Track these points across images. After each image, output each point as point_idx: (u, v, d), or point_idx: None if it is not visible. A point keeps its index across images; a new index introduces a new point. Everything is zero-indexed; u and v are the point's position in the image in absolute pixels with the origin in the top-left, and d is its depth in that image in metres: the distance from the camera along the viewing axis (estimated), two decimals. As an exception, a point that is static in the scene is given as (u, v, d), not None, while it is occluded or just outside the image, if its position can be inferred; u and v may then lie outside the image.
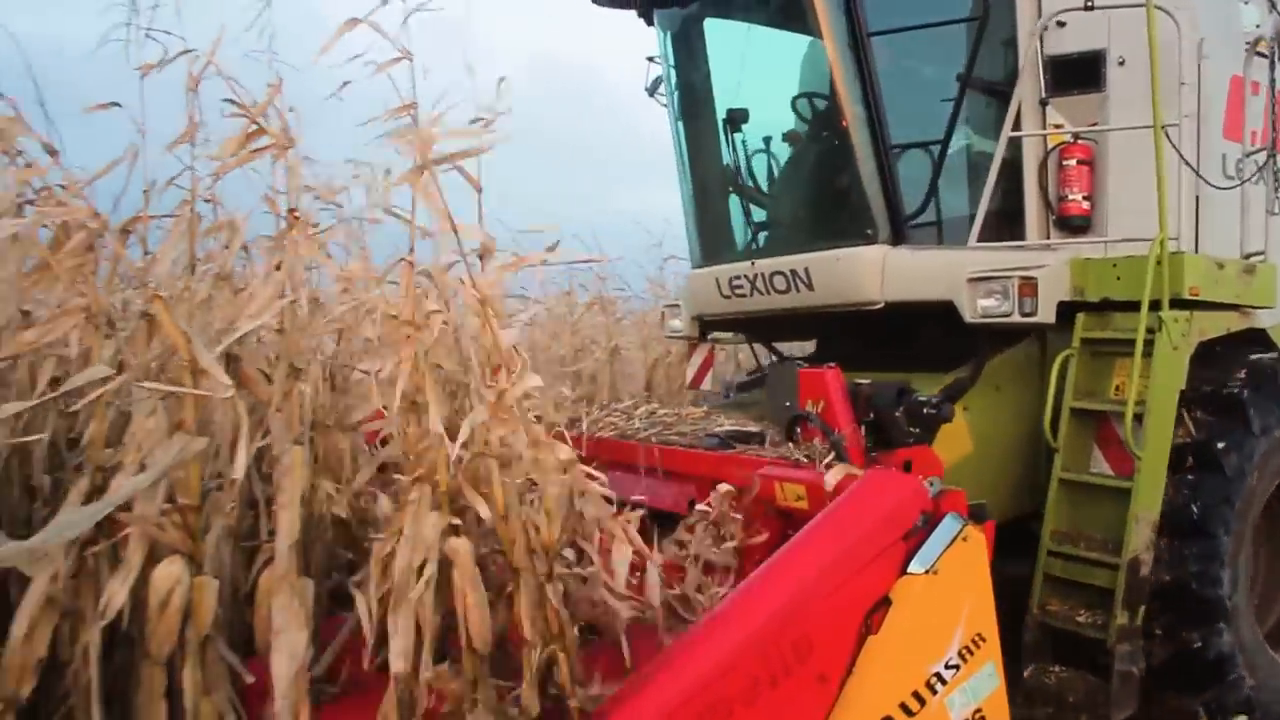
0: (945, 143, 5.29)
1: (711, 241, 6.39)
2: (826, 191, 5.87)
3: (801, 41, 5.81)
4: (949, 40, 5.33)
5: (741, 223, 6.19)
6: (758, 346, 7.21)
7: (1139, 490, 4.56)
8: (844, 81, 5.35)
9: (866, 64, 5.26)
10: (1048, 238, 5.24)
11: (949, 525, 3.32)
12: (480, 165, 2.96)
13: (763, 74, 5.94)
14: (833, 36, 5.33)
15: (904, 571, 3.24)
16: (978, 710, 3.24)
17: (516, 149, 3.12)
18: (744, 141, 6.09)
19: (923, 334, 5.51)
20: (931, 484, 3.45)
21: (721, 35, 6.11)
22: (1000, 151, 5.13)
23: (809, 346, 7.15)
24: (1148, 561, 4.54)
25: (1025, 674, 4.68)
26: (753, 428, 4.79)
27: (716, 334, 6.96)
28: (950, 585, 3.26)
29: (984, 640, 3.29)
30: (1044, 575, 4.82)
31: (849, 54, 5.27)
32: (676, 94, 6.41)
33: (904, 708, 3.12)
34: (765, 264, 5.73)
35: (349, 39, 2.95)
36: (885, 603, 3.19)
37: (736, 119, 6.03)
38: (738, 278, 5.91)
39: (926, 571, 3.24)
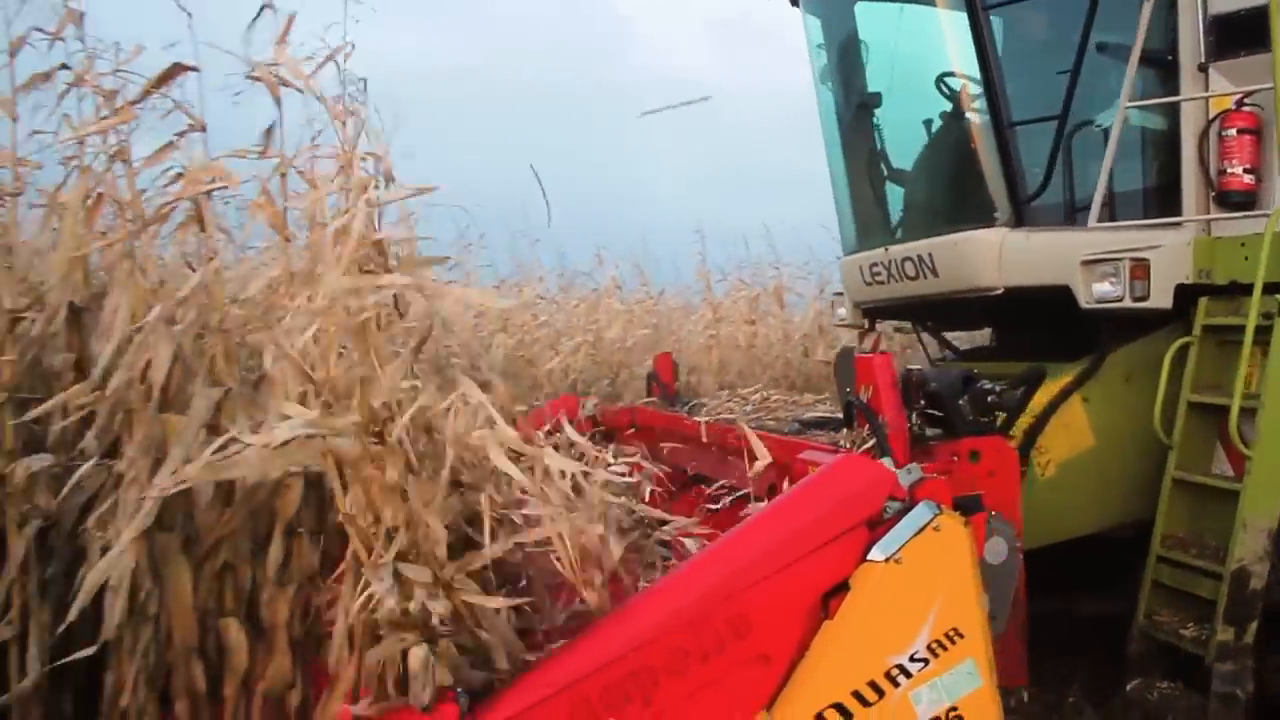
0: (1063, 118, 4.97)
1: (855, 228, 6.34)
2: (948, 173, 5.72)
3: (924, 19, 5.63)
4: (1074, 7, 4.98)
5: (877, 209, 6.07)
6: (927, 336, 7.01)
7: (1248, 492, 4.16)
8: (961, 57, 5.18)
9: (983, 37, 5.06)
10: (1207, 215, 4.79)
11: (918, 514, 3.20)
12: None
13: (890, 56, 5.84)
14: (949, 8, 5.18)
15: (865, 558, 3.15)
16: (952, 709, 3.12)
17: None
18: (878, 126, 5.98)
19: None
20: (909, 471, 3.34)
21: (862, 17, 6.06)
22: (1118, 125, 4.79)
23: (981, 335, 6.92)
24: (1259, 573, 4.13)
25: (1128, 687, 4.39)
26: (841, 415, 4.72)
27: (890, 322, 6.87)
28: (916, 576, 3.14)
29: (961, 636, 3.15)
30: (1152, 583, 4.50)
31: (966, 27, 5.09)
32: (821, 79, 6.38)
33: (858, 696, 3.05)
34: (897, 250, 5.65)
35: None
36: (845, 588, 3.12)
37: (869, 104, 5.95)
38: (876, 264, 5.84)
39: (888, 559, 3.13)
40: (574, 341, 8.55)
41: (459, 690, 2.71)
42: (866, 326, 6.67)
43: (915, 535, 3.17)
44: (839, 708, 3.03)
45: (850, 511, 3.20)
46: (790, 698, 3.05)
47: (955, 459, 3.97)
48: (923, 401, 4.17)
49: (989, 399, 4.26)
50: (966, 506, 3.40)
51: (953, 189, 5.66)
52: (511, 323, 8.50)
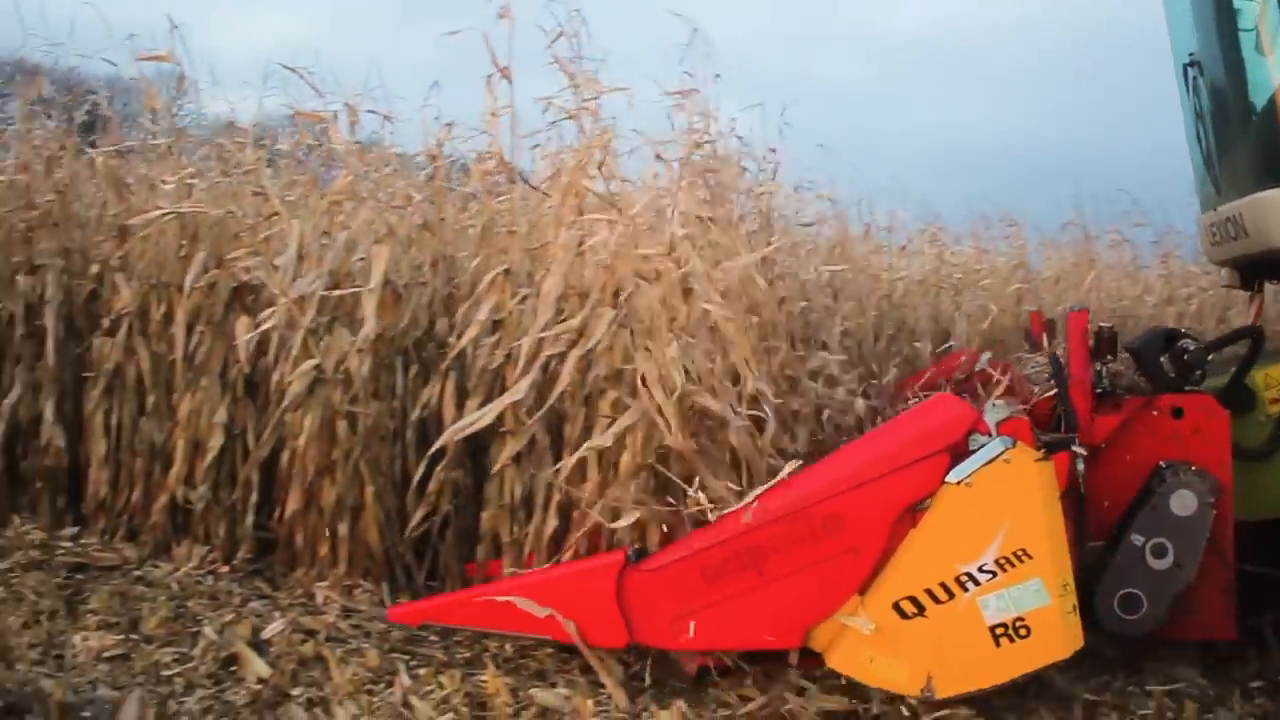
0: None
1: (1199, 189, 6.17)
2: (1250, 132, 5.40)
3: None
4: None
5: (1207, 171, 5.91)
6: None
7: None
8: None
9: None
10: None
11: (991, 446, 3.66)
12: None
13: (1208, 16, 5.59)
14: None
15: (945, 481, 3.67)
16: (1019, 619, 3.56)
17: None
18: (1200, 88, 5.78)
19: None
20: (996, 410, 3.78)
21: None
22: None
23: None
24: None
25: None
26: None
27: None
28: (986, 499, 3.62)
29: (1030, 557, 3.56)
30: None
31: None
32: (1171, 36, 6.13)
33: (930, 594, 3.62)
34: (1225, 209, 5.46)
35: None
36: (928, 503, 3.69)
37: (1193, 64, 5.75)
38: (1213, 225, 5.70)
39: (960, 482, 3.64)
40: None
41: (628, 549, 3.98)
42: (1239, 286, 6.27)
43: (986, 464, 3.64)
44: (913, 600, 3.64)
45: (931, 440, 3.75)
46: (876, 587, 3.70)
47: (1155, 414, 4.19)
48: (1109, 357, 4.32)
49: (1184, 357, 4.29)
50: (1053, 446, 3.79)
51: (1253, 147, 5.37)
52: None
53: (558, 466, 4.28)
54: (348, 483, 4.67)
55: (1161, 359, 4.32)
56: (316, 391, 4.64)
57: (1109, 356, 4.32)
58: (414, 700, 3.77)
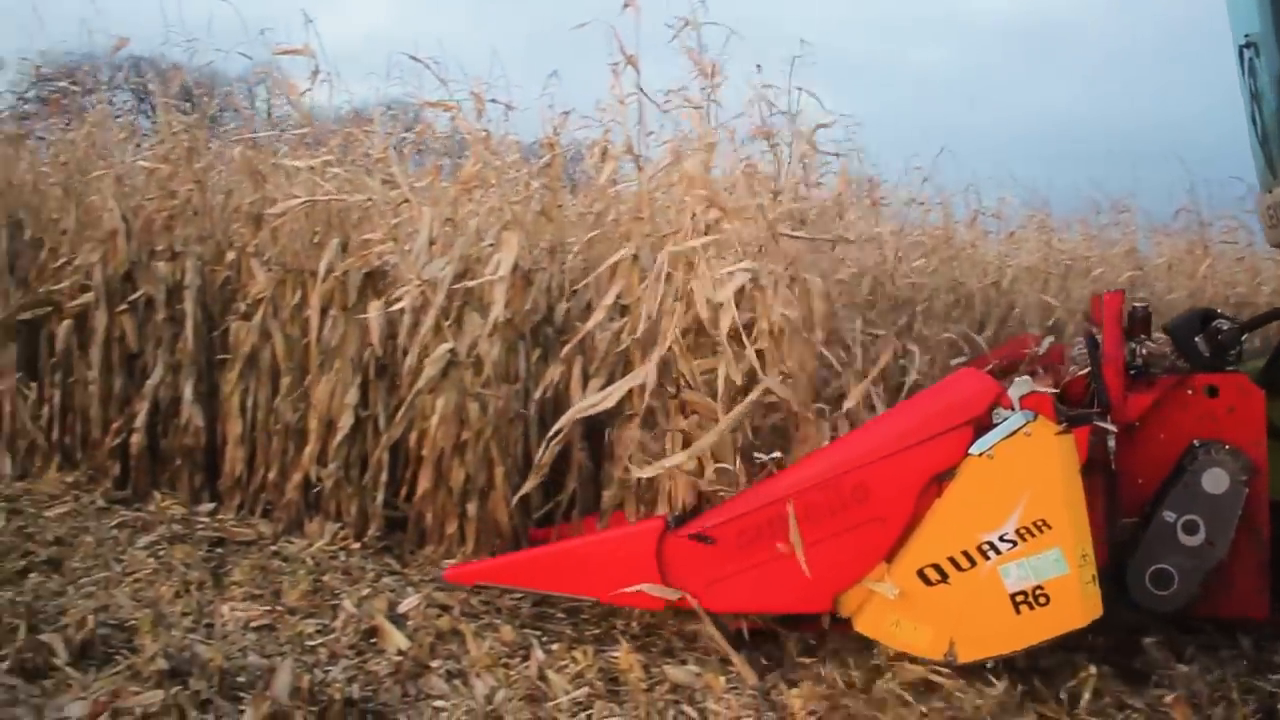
0: None
1: (1258, 171, 6.01)
2: None
3: None
4: None
5: (1262, 154, 5.75)
6: None
7: None
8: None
9: None
10: None
11: (1013, 420, 3.76)
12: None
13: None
14: None
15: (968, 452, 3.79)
16: (1039, 587, 3.66)
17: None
18: (1257, 68, 5.63)
19: None
20: (1021, 385, 3.87)
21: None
22: None
23: None
24: None
25: None
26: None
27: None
28: (1007, 470, 3.73)
29: (1049, 527, 3.65)
30: None
31: None
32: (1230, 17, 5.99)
33: (953, 561, 3.75)
34: (1275, 195, 5.44)
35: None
36: (952, 474, 3.80)
37: (1249, 45, 5.63)
38: (1270, 208, 5.58)
39: (982, 454, 3.75)
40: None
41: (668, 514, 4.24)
42: None
43: (1008, 437, 3.74)
44: (936, 568, 3.76)
45: (956, 414, 3.87)
46: (901, 555, 3.84)
47: (1190, 392, 4.20)
48: (1143, 336, 4.39)
49: (1218, 337, 4.26)
50: (1074, 420, 3.86)
51: None
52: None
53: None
54: (477, 463, 4.82)
55: (1196, 339, 4.30)
56: (450, 374, 4.79)
57: (1143, 336, 4.40)
58: (550, 674, 3.88)
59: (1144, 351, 4.36)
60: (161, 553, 4.96)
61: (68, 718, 3.29)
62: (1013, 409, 3.82)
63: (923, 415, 4.03)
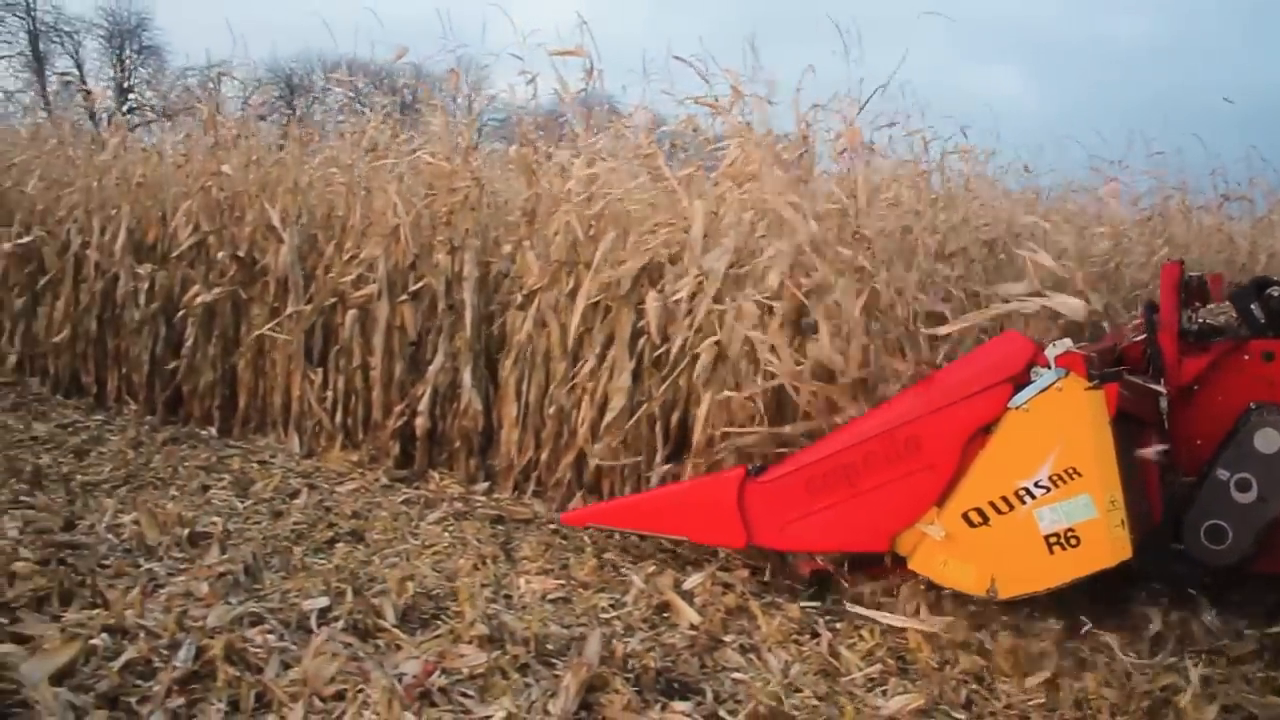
0: None
1: None
2: None
3: None
4: None
5: None
6: None
7: None
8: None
9: None
10: None
11: (1046, 377, 4.11)
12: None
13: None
14: None
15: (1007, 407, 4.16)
16: (1070, 530, 4.02)
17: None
18: None
19: None
20: (1056, 346, 4.16)
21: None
22: None
23: None
24: None
25: None
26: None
27: None
28: (1041, 422, 4.09)
29: (1079, 475, 3.98)
30: None
31: None
32: None
33: (993, 505, 4.14)
34: None
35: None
36: (993, 427, 4.19)
37: None
38: None
39: (1019, 408, 4.12)
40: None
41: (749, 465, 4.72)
42: None
43: (1041, 392, 4.09)
44: (979, 511, 4.16)
45: (997, 371, 4.25)
46: (950, 500, 4.23)
47: (1246, 357, 4.34)
48: (1198, 304, 4.66)
49: (1272, 305, 4.36)
50: (1104, 378, 4.08)
51: None
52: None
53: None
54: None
55: (1253, 305, 4.40)
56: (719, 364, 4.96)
57: (1197, 304, 4.65)
58: (841, 650, 4.00)
59: (1199, 318, 4.58)
60: (451, 528, 5.30)
61: (404, 674, 3.57)
62: (1049, 367, 4.15)
63: (968, 373, 4.45)
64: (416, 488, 5.99)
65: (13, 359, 8.38)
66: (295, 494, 5.74)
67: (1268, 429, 4.14)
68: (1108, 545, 3.97)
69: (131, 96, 50.37)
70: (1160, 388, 4.29)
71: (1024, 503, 4.09)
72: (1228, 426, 4.26)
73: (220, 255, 6.96)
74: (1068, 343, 4.22)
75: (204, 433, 7.07)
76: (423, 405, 6.01)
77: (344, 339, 6.40)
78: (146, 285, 7.38)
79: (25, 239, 8.11)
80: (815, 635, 4.15)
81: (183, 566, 4.47)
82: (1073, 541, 4.02)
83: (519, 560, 4.91)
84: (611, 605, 4.43)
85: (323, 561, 4.75)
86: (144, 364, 7.39)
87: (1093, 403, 4.03)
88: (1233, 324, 4.52)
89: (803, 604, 4.44)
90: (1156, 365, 4.41)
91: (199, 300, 6.96)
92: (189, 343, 7.05)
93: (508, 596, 4.48)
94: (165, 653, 3.49)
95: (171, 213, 7.33)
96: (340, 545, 5.01)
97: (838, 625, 4.25)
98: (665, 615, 4.34)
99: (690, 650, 4.00)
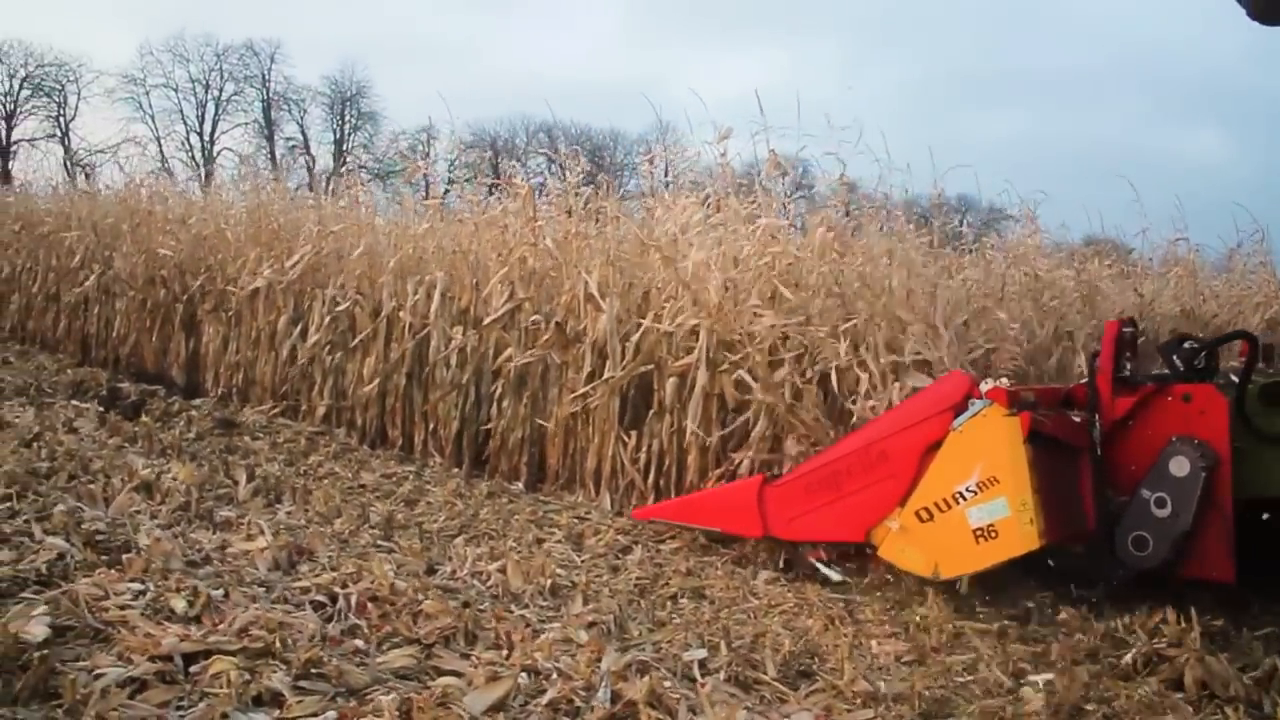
0: None
1: None
2: None
3: None
4: None
5: None
6: None
7: None
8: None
9: None
10: None
11: (976, 405, 5.30)
12: None
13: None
14: None
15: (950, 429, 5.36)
16: (990, 525, 5.16)
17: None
18: None
19: None
20: (989, 383, 5.45)
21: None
22: None
23: None
24: None
25: None
26: None
27: None
28: (971, 441, 5.27)
29: (997, 482, 5.14)
30: None
31: None
32: None
33: (937, 505, 5.32)
34: None
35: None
36: (939, 444, 5.36)
37: None
38: None
39: (957, 430, 5.32)
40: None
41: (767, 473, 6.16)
42: None
43: (971, 418, 5.29)
44: (927, 509, 5.35)
45: (942, 402, 5.49)
46: (908, 501, 5.42)
47: (1170, 398, 5.30)
48: (1129, 354, 5.48)
49: (1193, 358, 5.40)
50: (1019, 406, 5.24)
51: None
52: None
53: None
54: None
55: (1175, 356, 5.40)
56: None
57: (1128, 354, 5.49)
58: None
59: (1130, 366, 5.49)
60: (790, 589, 5.54)
61: (795, 723, 3.81)
62: (980, 398, 5.30)
63: (923, 403, 5.68)
64: (734, 549, 6.23)
65: (321, 410, 9.10)
66: (628, 549, 6.08)
67: (1180, 456, 5.07)
68: (1019, 538, 5.08)
69: (350, 158, 53.90)
70: (1076, 417, 5.47)
71: (959, 503, 5.23)
72: (1154, 454, 5.16)
73: (535, 319, 7.46)
74: (1003, 381, 5.52)
75: (512, 487, 7.55)
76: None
77: (665, 403, 6.75)
78: (459, 347, 7.95)
79: (341, 305, 8.84)
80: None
81: (550, 614, 4.82)
82: (993, 534, 5.14)
83: (864, 623, 5.10)
84: (965, 669, 4.59)
85: (675, 616, 5.03)
86: (454, 420, 7.94)
87: (1009, 426, 5.15)
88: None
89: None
90: (1093, 403, 5.35)
91: (514, 363, 7.46)
92: (503, 402, 7.54)
93: (861, 656, 4.67)
94: (583, 694, 3.83)
95: (484, 280, 7.89)
96: (684, 600, 5.30)
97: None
98: (1021, 681, 4.45)
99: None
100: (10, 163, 52.22)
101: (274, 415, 9.42)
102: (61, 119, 56.05)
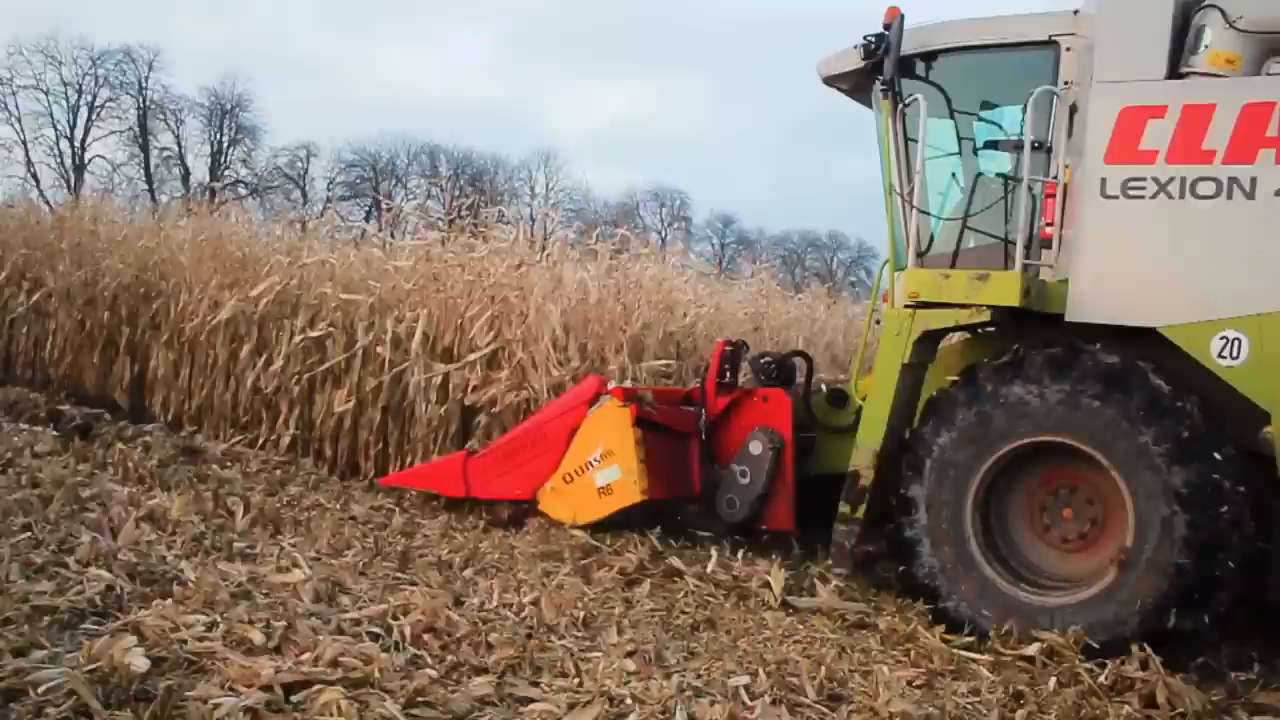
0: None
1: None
2: None
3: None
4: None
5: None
6: None
7: (860, 427, 6.68)
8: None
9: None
10: None
11: (602, 399, 7.31)
12: None
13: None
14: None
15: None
16: (609, 485, 7.19)
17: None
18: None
19: None
20: (612, 383, 7.53)
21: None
22: None
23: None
24: (867, 475, 6.48)
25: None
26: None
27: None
28: (596, 425, 7.29)
29: (613, 454, 7.15)
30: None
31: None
32: None
33: (576, 471, 7.34)
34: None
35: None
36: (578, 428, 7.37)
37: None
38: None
39: (590, 416, 7.32)
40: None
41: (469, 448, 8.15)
42: None
43: (597, 408, 7.30)
44: (570, 474, 7.36)
45: (581, 396, 7.50)
46: (560, 468, 7.42)
47: (754, 399, 7.54)
48: (728, 366, 7.78)
49: (766, 368, 7.68)
50: (630, 399, 7.26)
51: None
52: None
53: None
54: None
55: (758, 369, 7.74)
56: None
57: (728, 366, 7.76)
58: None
59: (730, 374, 7.78)
60: (795, 619, 5.96)
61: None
62: (605, 394, 7.29)
63: (570, 397, 7.68)
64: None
65: (286, 441, 9.18)
66: (635, 582, 6.34)
67: (757, 440, 7.25)
68: (627, 494, 7.11)
69: (227, 173, 53.39)
70: (703, 415, 7.54)
71: (590, 469, 7.27)
72: (741, 438, 7.35)
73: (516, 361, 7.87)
74: (625, 384, 7.84)
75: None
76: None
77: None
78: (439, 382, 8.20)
79: (314, 333, 8.97)
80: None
81: (587, 644, 5.11)
82: (610, 491, 7.18)
83: (871, 651, 5.54)
84: (970, 692, 5.06)
85: (698, 646, 5.36)
86: (432, 454, 8.18)
87: (622, 414, 7.19)
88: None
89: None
90: (701, 401, 7.59)
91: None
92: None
93: (875, 682, 5.02)
94: (661, 716, 4.20)
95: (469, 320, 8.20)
96: (703, 632, 5.64)
97: None
98: (1021, 702, 4.94)
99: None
100: None
101: (235, 444, 9.46)
102: (-97, 116, 53.10)
